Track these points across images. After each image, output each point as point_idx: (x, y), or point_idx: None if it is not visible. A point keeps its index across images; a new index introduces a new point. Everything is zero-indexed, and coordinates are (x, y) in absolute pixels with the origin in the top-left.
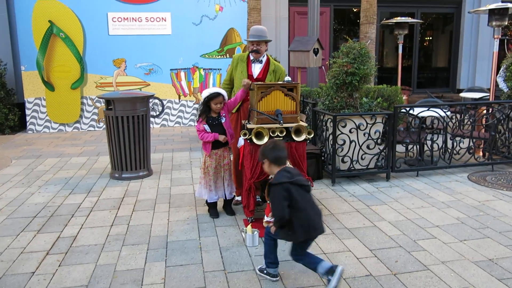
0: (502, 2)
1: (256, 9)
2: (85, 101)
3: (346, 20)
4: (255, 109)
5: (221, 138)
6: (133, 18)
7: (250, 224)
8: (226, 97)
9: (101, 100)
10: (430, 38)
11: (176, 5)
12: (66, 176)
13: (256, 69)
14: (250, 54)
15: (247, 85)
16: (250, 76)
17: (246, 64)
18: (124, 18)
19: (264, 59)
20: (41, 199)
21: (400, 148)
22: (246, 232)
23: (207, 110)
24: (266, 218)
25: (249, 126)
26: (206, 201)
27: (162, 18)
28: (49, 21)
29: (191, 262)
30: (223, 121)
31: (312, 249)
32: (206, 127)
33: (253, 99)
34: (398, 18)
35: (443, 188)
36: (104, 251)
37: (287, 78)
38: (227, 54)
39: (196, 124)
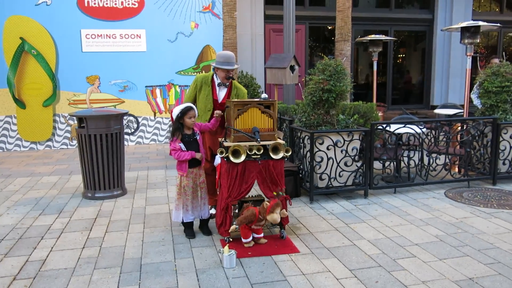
0: (472, 20)
1: (232, 26)
2: (57, 118)
3: (321, 38)
4: (231, 127)
5: (198, 156)
6: (107, 35)
7: (227, 244)
8: (197, 113)
9: (74, 117)
10: (404, 55)
11: (151, 22)
12: (37, 196)
13: (222, 93)
14: (215, 76)
15: (219, 115)
16: (215, 101)
17: (211, 88)
18: (98, 35)
19: (228, 83)
20: (9, 220)
21: (377, 164)
22: (223, 253)
23: (181, 128)
24: (244, 240)
25: (225, 144)
26: (182, 221)
27: (137, 35)
28: (21, 38)
29: (166, 285)
30: (198, 138)
31: (291, 270)
32: (182, 145)
33: (229, 116)
34: (373, 36)
35: (421, 205)
36: (74, 275)
37: (264, 95)
38: (203, 71)
39: (170, 143)
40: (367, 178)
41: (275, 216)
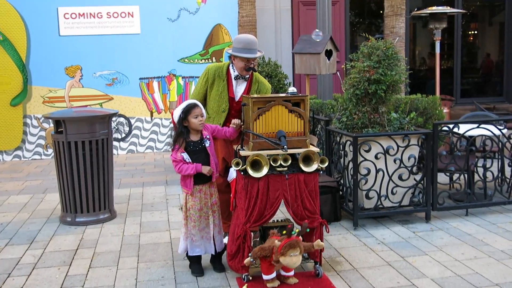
0: None
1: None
2: (29, 121)
3: (366, 12)
4: (250, 131)
5: (205, 170)
6: (91, 14)
7: (246, 284)
8: (204, 112)
9: (50, 120)
10: (476, 32)
11: None
12: (2, 221)
13: (239, 89)
14: (231, 67)
15: (238, 126)
16: (231, 99)
17: (227, 82)
18: (79, 14)
19: (248, 76)
20: None
21: (443, 178)
22: None
23: (185, 132)
24: (265, 277)
25: (242, 153)
26: (187, 253)
27: (129, 13)
28: None
29: None
30: (207, 145)
31: None
32: (185, 155)
33: (247, 117)
34: (434, 8)
35: (502, 232)
36: None
37: (292, 89)
38: (213, 58)
39: (171, 153)
40: (429, 196)
41: (293, 260)
